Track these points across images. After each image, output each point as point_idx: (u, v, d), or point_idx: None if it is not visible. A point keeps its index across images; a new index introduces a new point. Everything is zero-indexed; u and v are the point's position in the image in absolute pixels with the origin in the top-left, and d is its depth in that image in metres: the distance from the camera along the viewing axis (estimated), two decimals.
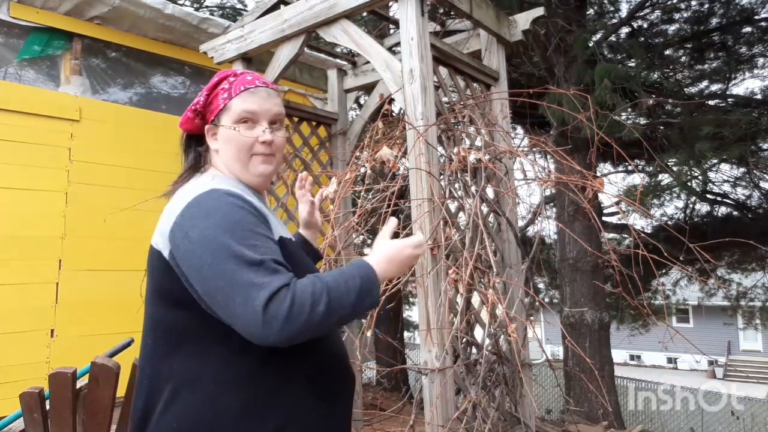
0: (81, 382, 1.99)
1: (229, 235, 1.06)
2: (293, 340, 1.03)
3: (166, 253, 1.13)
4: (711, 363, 21.53)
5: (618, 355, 12.56)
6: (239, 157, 1.25)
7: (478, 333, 2.95)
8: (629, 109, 5.98)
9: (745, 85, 30.86)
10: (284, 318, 1.00)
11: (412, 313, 10.96)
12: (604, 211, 7.94)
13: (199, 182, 1.21)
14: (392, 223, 1.30)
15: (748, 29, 6.96)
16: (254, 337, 1.02)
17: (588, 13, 6.95)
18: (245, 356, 1.08)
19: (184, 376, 1.12)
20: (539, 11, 3.44)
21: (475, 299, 2.86)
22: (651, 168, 7.36)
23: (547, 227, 10.42)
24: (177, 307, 1.14)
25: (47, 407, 1.96)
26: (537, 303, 3.89)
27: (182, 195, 1.17)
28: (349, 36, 2.96)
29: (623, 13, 7.26)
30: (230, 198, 1.13)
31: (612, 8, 7.31)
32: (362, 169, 3.07)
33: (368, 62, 3.85)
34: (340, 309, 1.06)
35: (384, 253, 1.21)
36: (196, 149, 1.34)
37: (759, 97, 7.05)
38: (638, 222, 9.83)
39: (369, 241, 7.98)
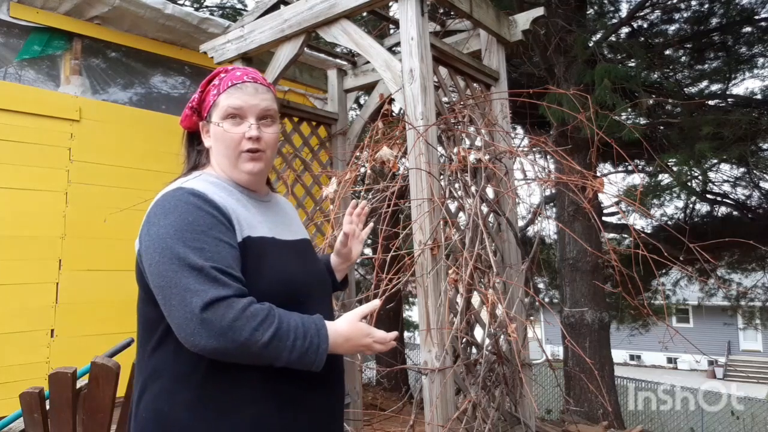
0: (81, 382, 1.99)
1: (178, 237, 1.08)
2: (217, 353, 1.04)
3: (137, 249, 1.18)
4: (711, 363, 21.51)
5: (618, 355, 12.56)
6: (227, 154, 1.25)
7: (478, 333, 2.95)
8: (629, 109, 5.98)
9: (745, 85, 30.91)
10: (220, 329, 1.02)
11: (412, 313, 10.96)
12: (604, 211, 7.94)
13: (177, 181, 1.24)
14: (373, 305, 1.28)
15: (748, 29, 6.95)
16: (184, 338, 1.05)
17: (588, 13, 6.96)
18: (199, 355, 1.06)
19: (151, 369, 1.16)
20: (539, 11, 3.44)
21: (475, 299, 2.86)
22: (651, 168, 7.37)
23: (547, 227, 10.41)
24: (148, 302, 1.17)
25: (47, 407, 1.95)
26: (537, 303, 3.89)
27: (158, 193, 1.21)
28: (349, 36, 2.96)
29: (623, 13, 7.26)
30: (191, 197, 1.14)
31: (612, 8, 7.31)
32: (362, 169, 3.07)
33: (368, 62, 3.85)
34: (275, 358, 1.08)
35: (347, 330, 1.20)
36: (196, 147, 1.35)
37: (759, 97, 7.04)
38: (638, 222, 9.81)
39: (369, 241, 7.98)
